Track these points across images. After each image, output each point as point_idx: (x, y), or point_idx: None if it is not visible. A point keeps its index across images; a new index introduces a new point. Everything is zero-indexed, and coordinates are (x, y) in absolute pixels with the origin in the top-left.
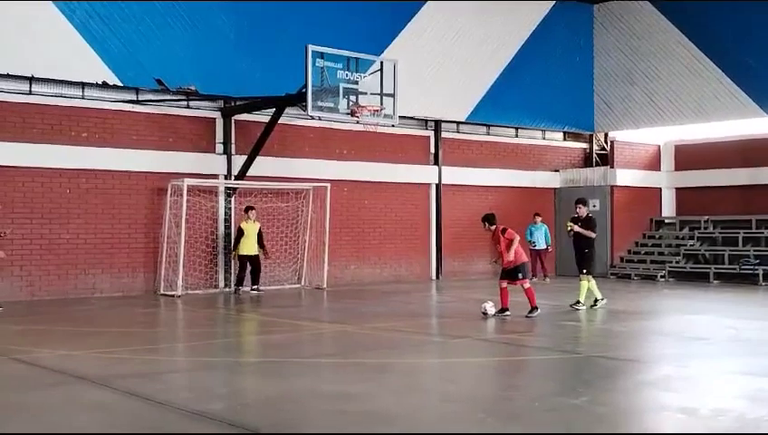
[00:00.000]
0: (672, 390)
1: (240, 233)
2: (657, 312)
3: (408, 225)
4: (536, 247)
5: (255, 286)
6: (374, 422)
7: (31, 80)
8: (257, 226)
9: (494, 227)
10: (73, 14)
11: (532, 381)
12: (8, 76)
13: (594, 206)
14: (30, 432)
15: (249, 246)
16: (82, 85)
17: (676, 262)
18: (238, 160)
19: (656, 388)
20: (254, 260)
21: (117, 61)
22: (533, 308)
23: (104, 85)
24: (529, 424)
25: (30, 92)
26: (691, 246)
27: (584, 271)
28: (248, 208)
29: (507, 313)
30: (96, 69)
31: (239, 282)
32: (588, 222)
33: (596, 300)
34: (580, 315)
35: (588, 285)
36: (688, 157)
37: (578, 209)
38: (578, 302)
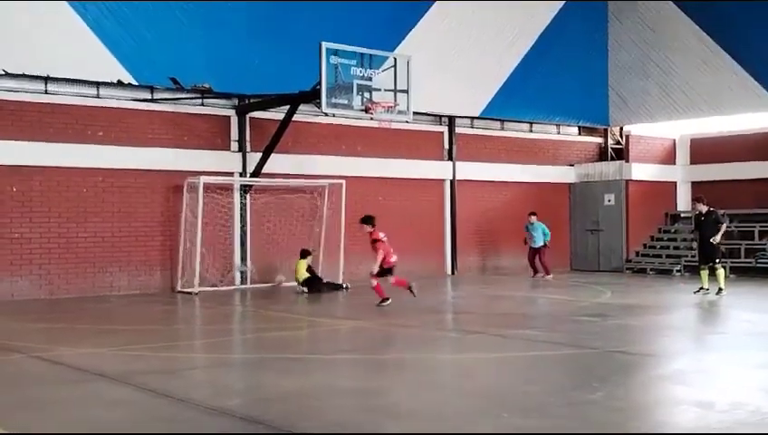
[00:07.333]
0: (688, 384)
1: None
2: (673, 306)
3: (422, 221)
4: (533, 246)
5: (343, 284)
6: (392, 417)
7: (47, 79)
8: (307, 262)
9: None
10: (86, 12)
11: (547, 376)
12: (24, 76)
13: (609, 201)
14: (51, 428)
15: (300, 274)
16: (98, 84)
17: (692, 256)
18: (253, 158)
19: (672, 382)
20: (307, 281)
21: (131, 60)
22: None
23: (119, 84)
24: (545, 419)
25: (46, 92)
26: None
27: (717, 260)
28: (306, 253)
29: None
30: (111, 68)
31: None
32: (710, 215)
33: (701, 288)
34: (605, 311)
35: (721, 272)
36: (704, 150)
37: (698, 206)
38: (720, 290)
